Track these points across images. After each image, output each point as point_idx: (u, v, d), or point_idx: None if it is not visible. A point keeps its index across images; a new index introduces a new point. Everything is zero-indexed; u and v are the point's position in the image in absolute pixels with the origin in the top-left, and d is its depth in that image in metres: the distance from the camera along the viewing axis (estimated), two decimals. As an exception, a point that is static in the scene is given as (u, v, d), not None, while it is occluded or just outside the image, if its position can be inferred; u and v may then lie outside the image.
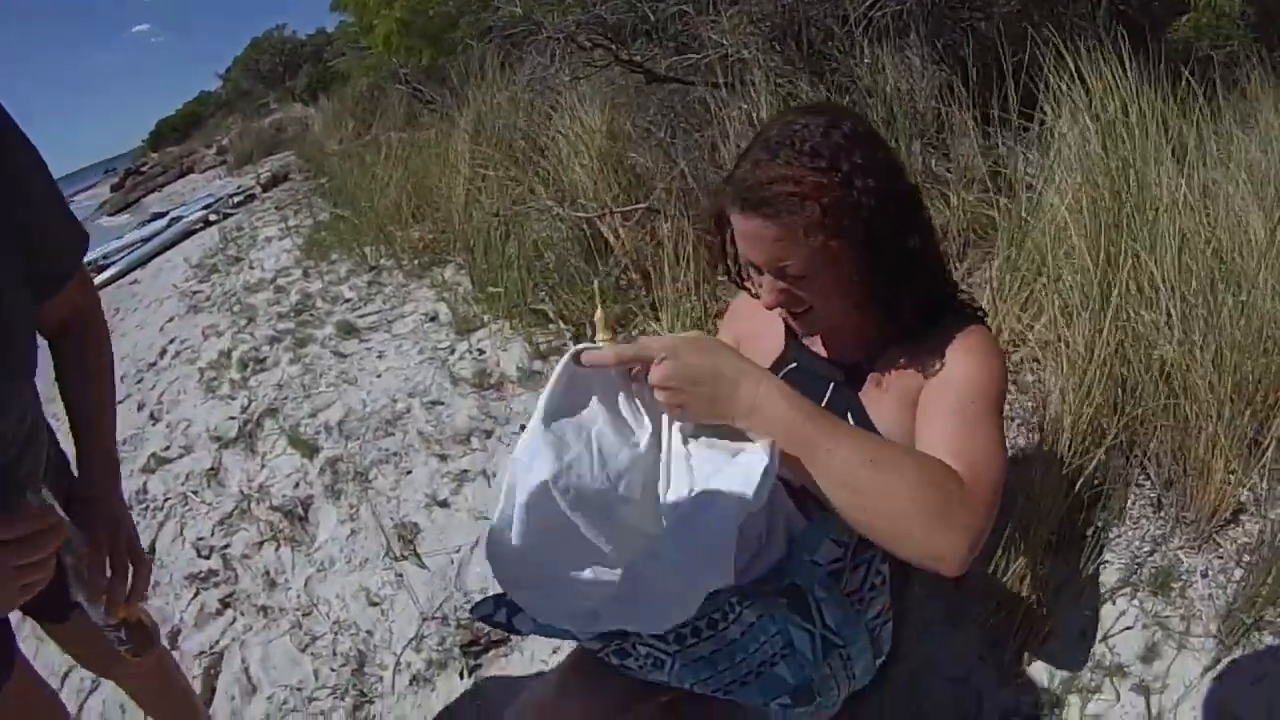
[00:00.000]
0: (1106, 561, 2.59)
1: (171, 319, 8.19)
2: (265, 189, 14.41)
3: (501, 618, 1.60)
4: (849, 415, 1.72)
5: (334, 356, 5.57)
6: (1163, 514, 2.70)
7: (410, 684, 2.78)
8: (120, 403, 6.00)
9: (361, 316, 6.12)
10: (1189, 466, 2.63)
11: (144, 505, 4.49)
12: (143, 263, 13.02)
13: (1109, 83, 3.17)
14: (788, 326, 1.90)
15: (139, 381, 6.60)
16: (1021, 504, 2.55)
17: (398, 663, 2.87)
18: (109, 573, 1.62)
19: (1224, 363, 2.55)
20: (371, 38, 12.50)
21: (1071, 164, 3.16)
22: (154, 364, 6.92)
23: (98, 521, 1.65)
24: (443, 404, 4.41)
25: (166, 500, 4.47)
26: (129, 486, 4.69)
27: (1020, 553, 2.51)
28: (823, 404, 1.73)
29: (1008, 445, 2.34)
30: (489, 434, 3.99)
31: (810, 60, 4.48)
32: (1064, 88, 3.32)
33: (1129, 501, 2.73)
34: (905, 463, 1.35)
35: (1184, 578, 2.49)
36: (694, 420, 1.44)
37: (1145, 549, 2.61)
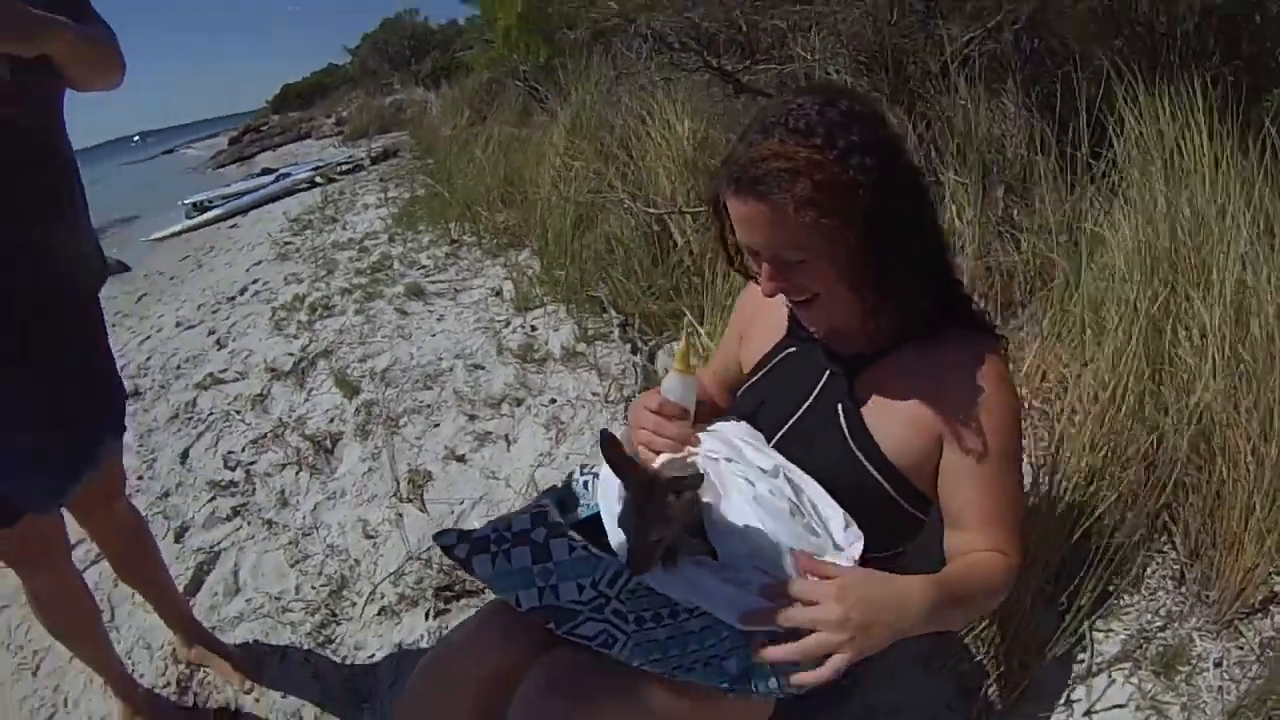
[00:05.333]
0: (1110, 630, 2.32)
1: (259, 262, 8.46)
2: (374, 161, 14.69)
3: (461, 553, 1.58)
4: (839, 406, 1.71)
5: (396, 313, 5.66)
6: (1184, 589, 2.39)
7: (379, 614, 2.77)
8: (192, 328, 6.39)
9: (432, 282, 6.20)
10: (1219, 538, 2.32)
11: (189, 417, 4.65)
12: (244, 211, 13.43)
13: (1188, 136, 3.01)
14: (792, 312, 1.87)
15: (215, 311, 6.85)
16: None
17: (373, 592, 2.87)
18: None
19: (1273, 426, 2.25)
20: (494, 30, 12.64)
21: (1136, 209, 2.98)
22: (233, 299, 7.16)
23: None
24: (484, 369, 4.42)
25: (210, 415, 4.60)
26: (182, 400, 4.87)
27: (1012, 598, 2.22)
28: (815, 391, 1.77)
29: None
30: (520, 402, 3.98)
31: (898, 89, 4.40)
32: (1142, 135, 3.17)
33: (1148, 568, 2.47)
34: (974, 589, 1.55)
35: (1194, 662, 2.20)
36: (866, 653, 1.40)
37: (1156, 623, 2.31)
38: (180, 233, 12.93)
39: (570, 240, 5.16)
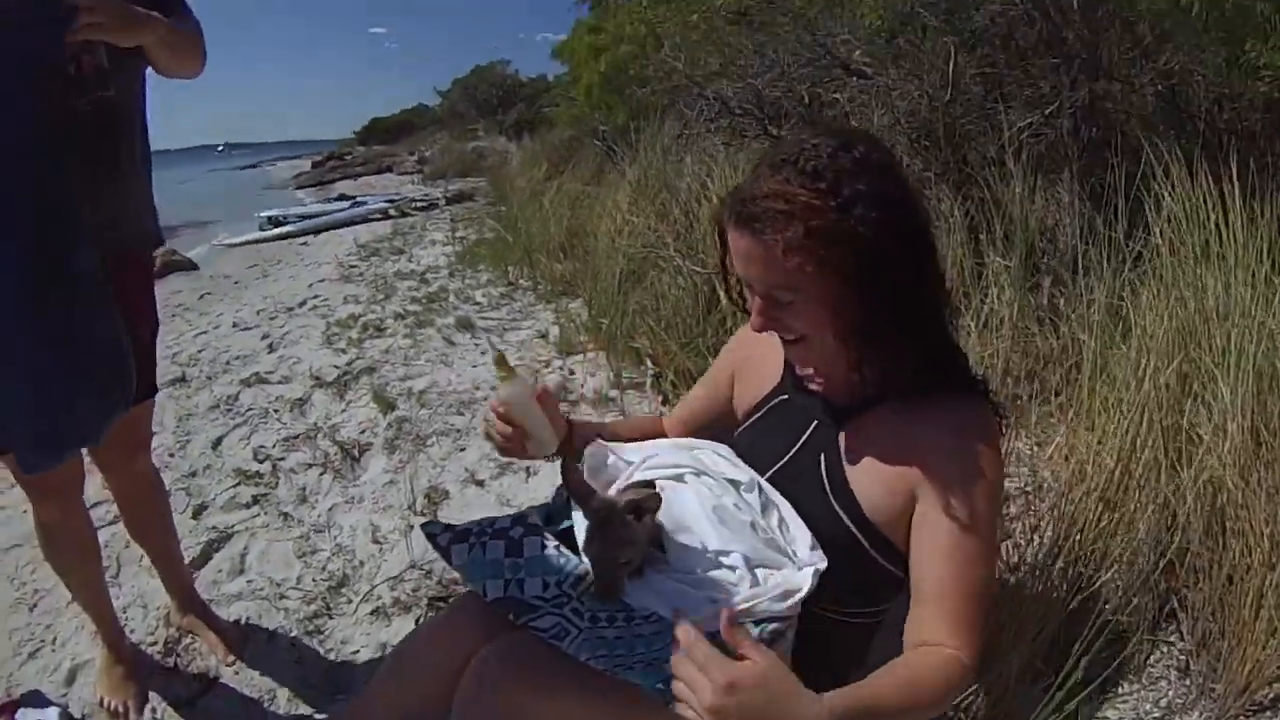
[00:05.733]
0: (1104, 717, 2.17)
1: (323, 280, 8.65)
2: (448, 203, 14.86)
3: (443, 541, 1.65)
4: (822, 456, 1.68)
5: (443, 341, 5.78)
6: (1188, 680, 2.24)
7: (371, 613, 2.81)
8: (247, 329, 6.56)
9: (483, 317, 6.33)
10: (1228, 628, 2.19)
11: (230, 410, 4.76)
12: (316, 231, 13.63)
13: (1227, 219, 2.95)
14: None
15: (273, 319, 7.01)
16: (1004, 615, 2.18)
17: (370, 592, 2.91)
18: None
19: None
20: (577, 88, 12.85)
21: (1165, 285, 2.95)
22: (291, 309, 7.31)
23: None
24: (517, 402, 4.44)
25: (249, 411, 4.71)
26: (226, 393, 5.00)
27: (995, 668, 2.08)
28: (802, 440, 1.74)
29: (1015, 547, 2.23)
30: (544, 440, 4.01)
31: (948, 168, 4.43)
32: (1175, 216, 3.13)
33: (1151, 656, 2.32)
34: (906, 704, 1.37)
35: None
36: None
37: (1155, 714, 2.18)
38: (252, 242, 13.19)
39: (618, 291, 5.21)
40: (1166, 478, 2.42)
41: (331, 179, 27.32)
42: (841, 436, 1.68)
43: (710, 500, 1.62)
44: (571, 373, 4.91)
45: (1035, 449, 3.08)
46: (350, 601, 2.91)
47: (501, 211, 10.82)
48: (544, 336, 5.67)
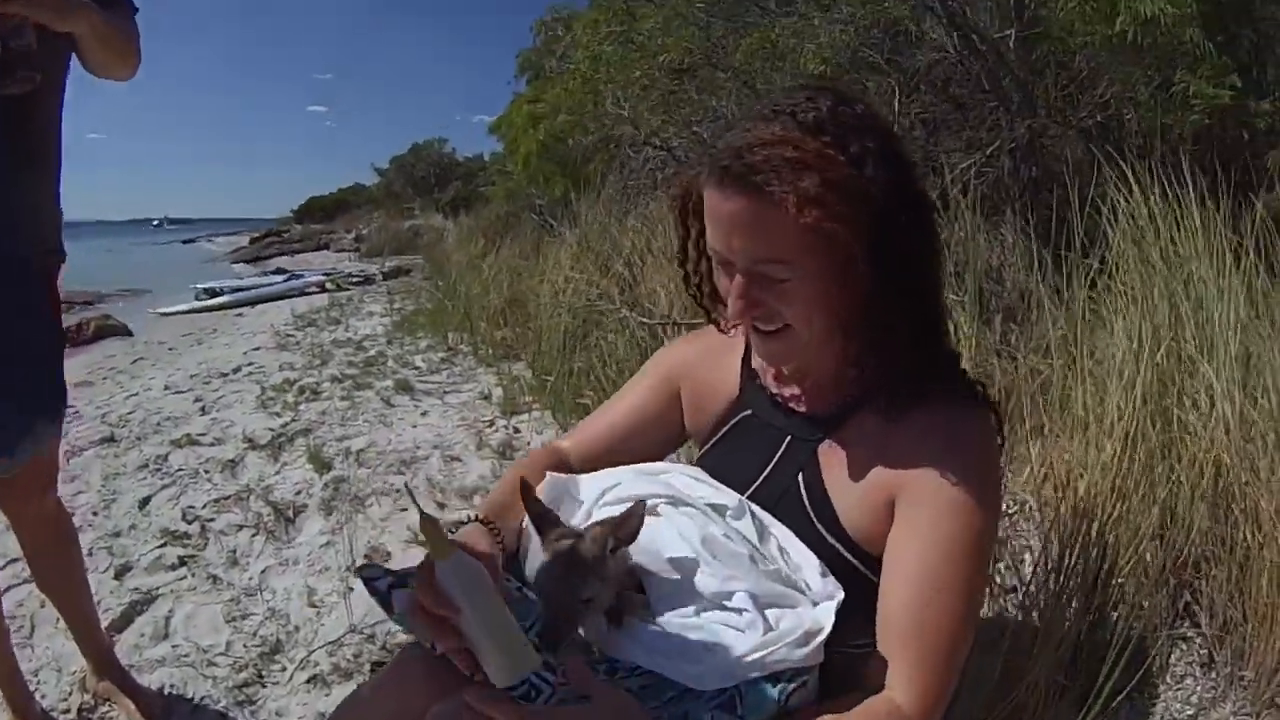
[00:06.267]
0: None
1: (258, 349, 8.34)
2: (385, 277, 14.61)
3: (382, 586, 1.36)
4: (799, 475, 1.42)
5: (382, 403, 5.49)
6: (1214, 673, 2.12)
7: (308, 682, 2.53)
8: (180, 393, 6.25)
9: (422, 381, 6.06)
10: (1249, 610, 2.05)
11: (158, 469, 4.44)
12: (252, 303, 13.48)
13: (1182, 221, 2.92)
14: (745, 368, 1.58)
15: (206, 383, 6.68)
16: (1009, 645, 1.98)
17: (306, 659, 2.63)
18: None
19: None
20: (515, 157, 12.78)
21: (1135, 288, 2.85)
22: (225, 375, 6.99)
23: None
24: (461, 461, 4.23)
25: (179, 471, 4.38)
26: (155, 453, 4.67)
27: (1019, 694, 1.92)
28: (775, 459, 1.46)
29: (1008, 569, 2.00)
30: (492, 495, 3.77)
31: None
32: (1134, 218, 3.05)
33: (1172, 655, 2.18)
34: None
35: None
36: None
37: (1188, 712, 2.05)
38: (187, 312, 12.96)
39: (564, 346, 5.02)
40: (1163, 470, 2.27)
41: (269, 255, 27.18)
42: (820, 449, 1.42)
43: (696, 532, 1.33)
44: (517, 430, 4.67)
45: (1010, 474, 2.86)
46: (285, 669, 2.61)
47: (439, 284, 10.64)
48: (486, 398, 5.41)
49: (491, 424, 4.82)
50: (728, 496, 1.41)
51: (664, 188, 6.10)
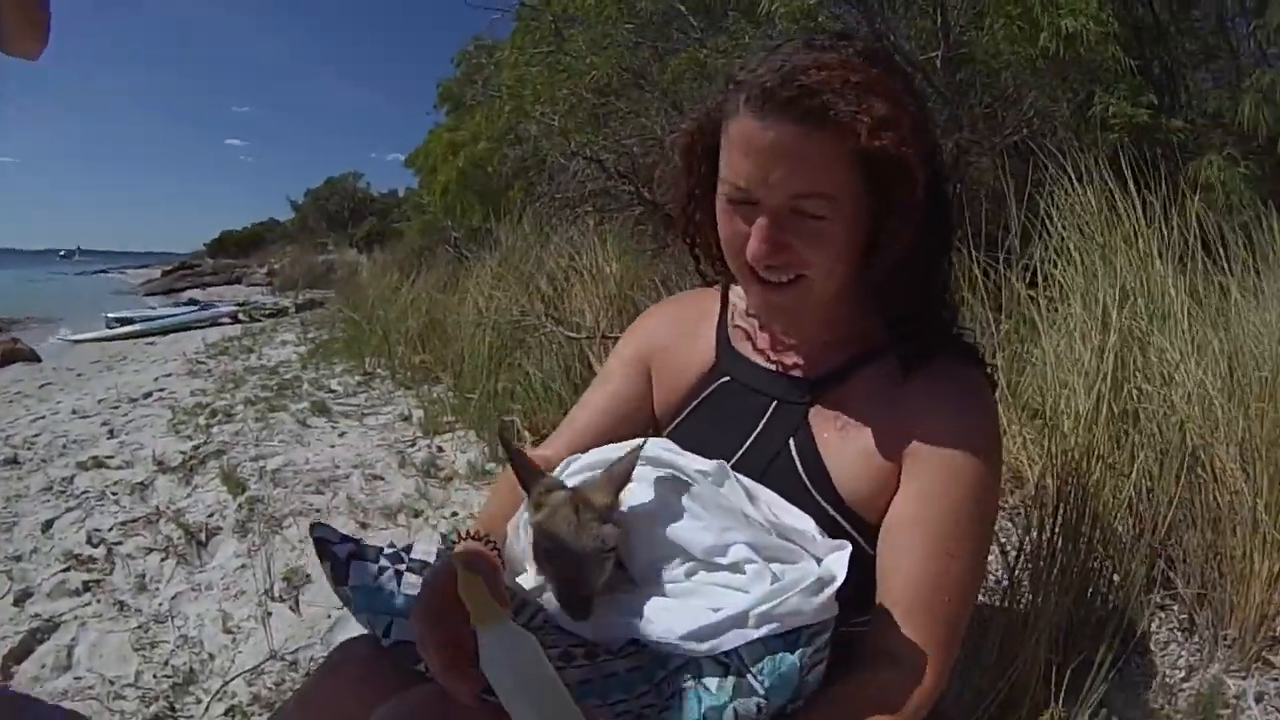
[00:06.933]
0: (1135, 693, 1.98)
1: (169, 375, 7.94)
2: (299, 309, 14.31)
3: (341, 552, 1.16)
4: (791, 442, 1.25)
5: (298, 424, 5.15)
6: (1197, 636, 2.10)
7: (225, 713, 2.25)
8: (88, 417, 5.86)
9: (340, 404, 5.73)
10: (1225, 569, 2.05)
11: (63, 491, 4.05)
12: (164, 332, 13.11)
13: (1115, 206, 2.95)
14: (720, 333, 1.42)
15: (115, 408, 6.27)
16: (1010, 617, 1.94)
17: (222, 689, 2.34)
18: None
19: (1253, 440, 2.06)
20: (433, 188, 12.57)
21: (1078, 270, 2.87)
22: (135, 400, 6.58)
23: None
24: (383, 479, 3.95)
25: (85, 494, 3.99)
26: (60, 475, 4.30)
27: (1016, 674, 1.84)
28: (761, 424, 1.29)
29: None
30: (418, 514, 3.51)
31: None
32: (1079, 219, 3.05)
33: (1153, 624, 2.12)
34: None
35: (1234, 704, 1.88)
36: None
37: (1178, 675, 2.00)
38: (98, 339, 12.47)
39: (487, 364, 4.82)
40: (1127, 446, 2.28)
41: (181, 287, 26.51)
42: (811, 413, 1.26)
43: (679, 491, 1.13)
44: (440, 449, 4.39)
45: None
46: (199, 701, 2.32)
47: (356, 311, 10.37)
48: (406, 419, 5.11)
49: (413, 443, 4.55)
50: (706, 463, 1.18)
51: (593, 201, 5.95)
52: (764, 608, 0.99)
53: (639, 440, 1.15)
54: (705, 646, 0.99)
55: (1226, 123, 4.82)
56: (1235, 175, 4.41)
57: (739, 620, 0.99)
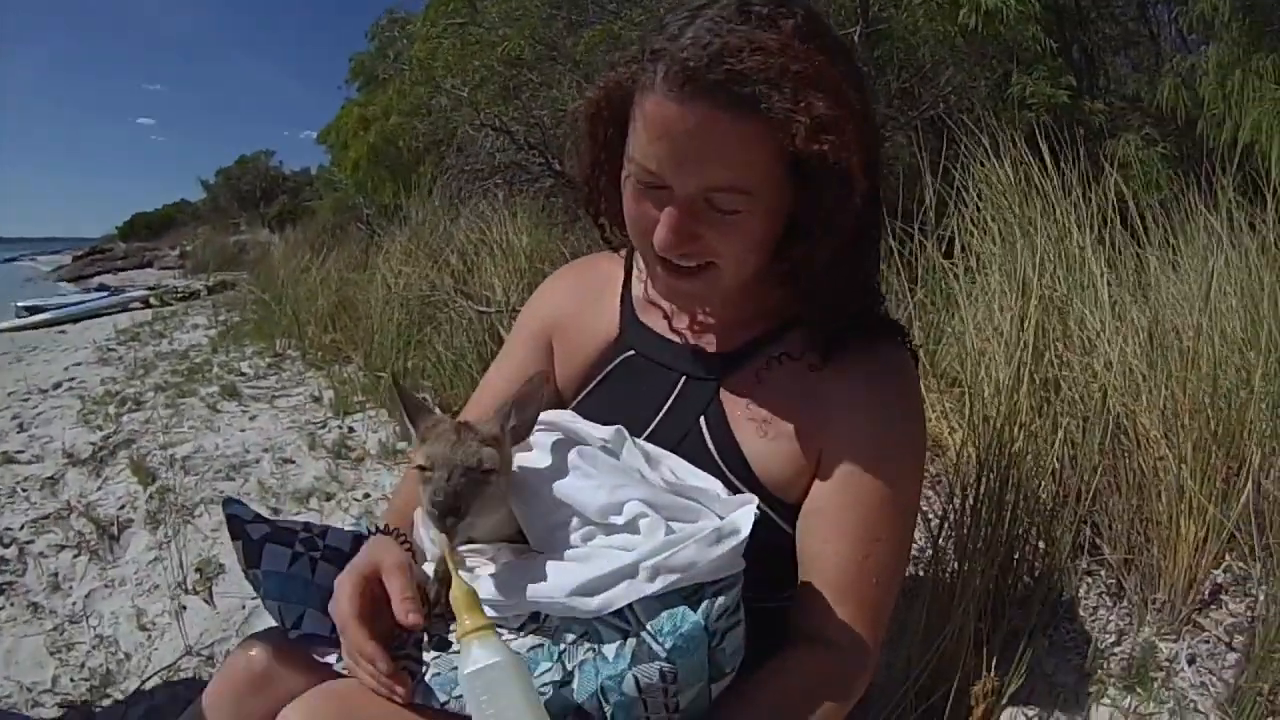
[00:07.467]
0: (1066, 659, 1.94)
1: (80, 364, 7.65)
2: (210, 292, 13.86)
3: (255, 533, 1.13)
4: (702, 420, 1.19)
5: (208, 409, 5.01)
6: (1125, 601, 2.06)
7: (145, 715, 2.19)
8: None
9: (249, 386, 5.58)
10: (1149, 534, 2.02)
11: (-29, 491, 3.87)
12: (75, 319, 12.59)
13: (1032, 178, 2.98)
14: (624, 303, 1.34)
15: (25, 400, 6.01)
16: (928, 602, 1.87)
17: (140, 689, 2.28)
18: None
19: (1175, 407, 2.04)
20: (344, 164, 12.24)
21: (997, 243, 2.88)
22: (45, 391, 6.32)
23: None
24: (294, 463, 3.87)
25: (-8, 491, 3.83)
26: (-35, 473, 4.09)
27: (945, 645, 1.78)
28: (669, 401, 1.22)
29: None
30: (330, 497, 3.45)
31: None
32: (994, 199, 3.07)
33: (1080, 590, 2.11)
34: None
35: (1166, 666, 1.86)
36: None
37: (1109, 639, 1.97)
38: (6, 330, 11.93)
39: (397, 341, 4.73)
40: (1049, 414, 2.25)
41: (92, 273, 25.56)
42: (724, 391, 1.20)
43: (571, 450, 1.09)
44: (351, 430, 4.31)
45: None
46: (118, 702, 2.25)
47: (266, 293, 10.12)
48: (317, 399, 5.01)
49: (324, 424, 4.46)
50: (605, 430, 1.15)
51: (503, 174, 5.86)
52: (655, 560, 0.94)
53: (535, 371, 1.12)
54: (596, 602, 0.95)
55: (1145, 105, 4.92)
56: (1153, 155, 4.49)
57: (628, 572, 0.95)
